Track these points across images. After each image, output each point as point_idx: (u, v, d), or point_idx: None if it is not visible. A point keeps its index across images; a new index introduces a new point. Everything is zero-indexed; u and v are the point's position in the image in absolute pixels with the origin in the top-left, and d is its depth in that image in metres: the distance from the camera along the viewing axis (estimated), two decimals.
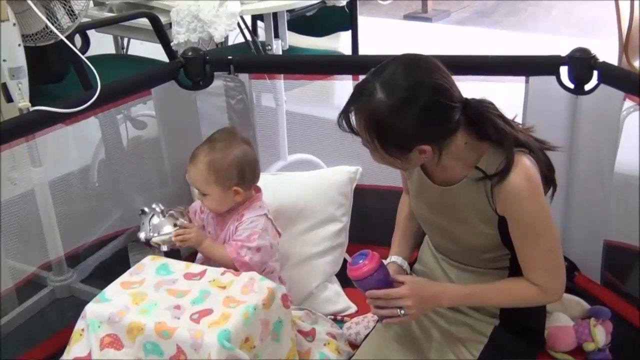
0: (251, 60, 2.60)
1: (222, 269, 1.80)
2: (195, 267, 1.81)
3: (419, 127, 1.41)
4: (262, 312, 1.66)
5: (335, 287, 2.21)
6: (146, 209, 1.95)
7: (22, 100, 1.97)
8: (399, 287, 1.55)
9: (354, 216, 2.29)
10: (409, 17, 6.02)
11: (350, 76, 2.20)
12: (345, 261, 2.23)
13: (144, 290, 1.72)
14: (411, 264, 1.87)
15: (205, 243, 1.92)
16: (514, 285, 1.57)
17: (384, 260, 2.26)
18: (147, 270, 1.81)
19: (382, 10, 6.04)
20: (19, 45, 1.94)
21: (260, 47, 2.92)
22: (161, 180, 2.43)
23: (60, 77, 2.52)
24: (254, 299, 1.66)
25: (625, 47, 2.90)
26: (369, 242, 2.15)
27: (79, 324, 1.70)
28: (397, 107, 1.39)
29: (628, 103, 1.93)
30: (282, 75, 2.52)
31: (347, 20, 3.24)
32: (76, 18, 2.12)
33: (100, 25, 2.90)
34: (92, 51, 2.90)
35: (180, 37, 2.71)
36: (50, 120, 1.95)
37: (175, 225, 1.93)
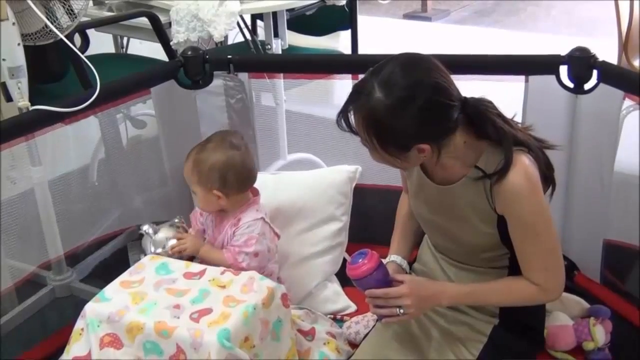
0: (251, 59, 2.60)
1: (221, 268, 1.80)
2: (195, 267, 1.81)
3: (418, 126, 1.41)
4: (261, 311, 1.66)
5: (335, 286, 2.22)
6: (144, 228, 1.97)
7: (21, 100, 1.96)
8: (398, 286, 1.55)
9: (353, 215, 2.29)
10: (408, 16, 6.02)
11: (349, 75, 2.20)
12: (344, 260, 2.24)
13: (144, 289, 1.72)
14: (411, 263, 1.87)
15: (202, 250, 1.93)
16: (513, 284, 1.57)
17: (383, 260, 2.28)
18: (146, 269, 1.81)
19: (382, 10, 6.05)
20: (19, 44, 1.94)
21: (260, 47, 2.92)
22: (161, 180, 2.43)
23: (59, 77, 2.51)
24: (254, 298, 1.66)
25: (625, 46, 2.90)
26: (368, 242, 2.15)
27: (79, 323, 1.70)
28: (395, 107, 1.39)
29: (628, 102, 1.93)
30: (281, 75, 2.52)
31: (346, 19, 3.24)
32: (75, 17, 2.11)
33: (99, 24, 2.90)
34: (92, 50, 2.90)
35: (179, 36, 2.71)
36: (49, 120, 1.95)
37: (172, 237, 1.96)
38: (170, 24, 2.74)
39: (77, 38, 2.70)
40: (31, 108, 1.96)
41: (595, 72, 1.95)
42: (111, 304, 1.68)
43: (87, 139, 2.47)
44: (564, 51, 2.00)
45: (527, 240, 1.51)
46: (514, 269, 1.57)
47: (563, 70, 2.00)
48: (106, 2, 2.97)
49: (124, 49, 3.42)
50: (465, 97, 1.47)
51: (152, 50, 2.96)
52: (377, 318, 1.70)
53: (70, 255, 2.32)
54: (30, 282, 2.25)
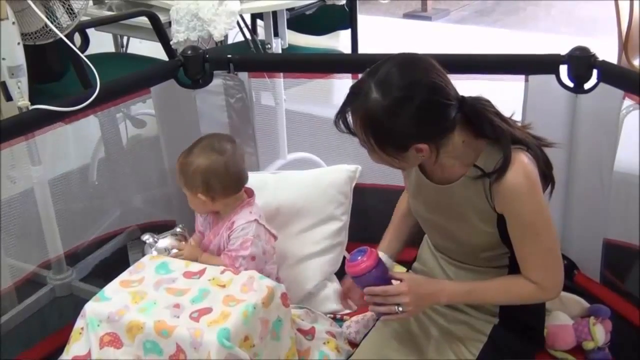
0: (251, 59, 2.60)
1: (221, 268, 1.80)
2: (195, 266, 1.81)
3: (415, 126, 1.41)
4: (261, 310, 1.66)
5: (335, 285, 2.21)
6: (144, 238, 1.97)
7: (21, 99, 1.96)
8: (397, 284, 1.55)
9: (353, 215, 2.29)
10: (408, 15, 6.02)
11: (349, 75, 2.20)
12: (344, 260, 2.23)
13: (144, 289, 1.72)
14: (410, 263, 1.88)
15: (200, 260, 1.91)
16: (512, 283, 1.57)
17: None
18: (146, 269, 1.81)
19: (382, 9, 6.04)
20: (18, 43, 1.94)
21: (260, 46, 2.92)
22: (160, 179, 2.43)
23: (59, 76, 2.52)
24: (254, 297, 1.66)
25: (625, 45, 2.90)
26: (368, 241, 2.15)
27: (79, 323, 1.70)
28: (392, 107, 1.39)
29: (627, 102, 1.92)
30: (281, 74, 2.52)
31: (346, 19, 3.24)
32: (75, 17, 2.11)
33: (99, 23, 2.90)
34: (92, 50, 2.90)
35: (179, 35, 2.71)
36: (49, 119, 1.95)
37: (172, 247, 1.96)
38: (170, 23, 2.73)
39: (77, 37, 2.70)
40: (31, 107, 1.96)
41: (595, 72, 1.95)
42: (111, 303, 1.68)
43: (87, 138, 2.47)
44: (563, 51, 2.00)
45: (526, 239, 1.51)
46: (514, 269, 1.57)
47: (563, 69, 2.00)
48: (106, 1, 2.97)
49: (124, 49, 3.42)
50: (462, 96, 1.47)
51: (152, 49, 2.96)
52: (376, 317, 1.70)
53: (70, 254, 2.32)
54: (30, 282, 2.25)
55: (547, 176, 1.54)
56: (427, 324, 1.70)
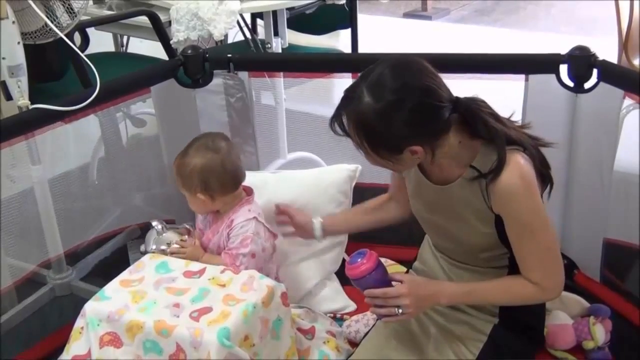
0: (251, 58, 2.60)
1: (221, 267, 1.80)
2: (195, 265, 1.81)
3: (408, 129, 1.41)
4: (261, 310, 1.66)
5: (335, 285, 2.22)
6: (153, 223, 1.96)
7: (21, 98, 1.96)
8: (397, 286, 1.55)
9: None
10: (408, 15, 6.02)
11: (349, 74, 2.19)
12: (344, 260, 2.23)
13: (144, 288, 1.72)
14: (411, 262, 1.88)
15: (201, 260, 1.90)
16: (511, 284, 1.57)
17: (381, 259, 2.28)
18: (146, 268, 1.81)
19: (382, 9, 6.05)
20: (18, 43, 1.94)
21: (260, 45, 2.92)
22: (160, 178, 2.43)
23: (59, 75, 2.51)
24: (254, 297, 1.66)
25: (625, 45, 2.90)
26: (368, 241, 2.16)
27: (79, 322, 1.70)
28: (384, 110, 1.40)
29: (628, 101, 1.92)
30: (281, 74, 2.52)
31: (346, 18, 3.24)
32: (75, 16, 2.11)
33: (99, 23, 2.90)
34: (92, 49, 2.90)
35: (179, 35, 2.71)
36: (49, 118, 1.95)
37: (174, 241, 1.95)
38: (170, 22, 2.73)
39: (77, 37, 2.70)
40: (31, 107, 1.96)
41: (595, 71, 1.95)
42: (111, 302, 1.68)
43: (87, 137, 2.47)
44: (563, 50, 2.00)
45: (523, 240, 1.51)
46: (514, 269, 1.57)
47: (563, 69, 2.00)
48: (106, 0, 2.97)
49: (124, 48, 3.42)
50: (457, 97, 1.47)
51: (152, 49, 2.96)
52: (377, 317, 1.70)
53: (70, 254, 2.32)
54: (30, 281, 2.25)
55: (544, 176, 1.54)
56: (427, 324, 1.70)
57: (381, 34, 5.07)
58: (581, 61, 1.96)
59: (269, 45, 2.85)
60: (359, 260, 1.55)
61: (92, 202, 2.39)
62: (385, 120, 1.40)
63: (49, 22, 1.99)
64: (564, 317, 1.96)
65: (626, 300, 2.05)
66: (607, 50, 2.18)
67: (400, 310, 1.53)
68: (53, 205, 2.19)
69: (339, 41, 3.58)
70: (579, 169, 2.08)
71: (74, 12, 2.10)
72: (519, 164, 1.46)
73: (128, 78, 2.23)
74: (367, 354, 1.71)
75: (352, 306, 2.15)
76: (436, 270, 1.74)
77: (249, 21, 3.23)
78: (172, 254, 1.91)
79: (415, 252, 1.87)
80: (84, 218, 2.34)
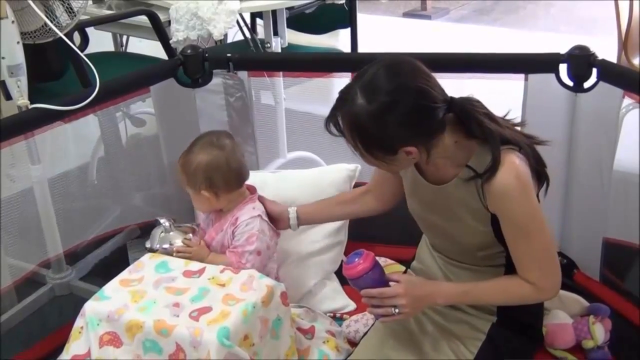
0: (250, 57, 2.60)
1: (221, 267, 1.79)
2: (195, 265, 1.81)
3: (402, 130, 1.42)
4: (261, 309, 1.66)
5: (334, 284, 2.22)
6: (160, 220, 1.96)
7: (20, 98, 1.96)
8: (394, 286, 1.55)
9: None
10: (408, 14, 6.02)
11: (349, 74, 2.19)
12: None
13: (143, 288, 1.72)
14: (409, 262, 1.88)
15: (207, 260, 1.90)
16: (508, 283, 1.57)
17: (380, 259, 2.29)
18: (146, 268, 1.81)
19: (382, 8, 6.05)
20: (18, 42, 1.94)
21: (260, 45, 2.92)
22: (160, 178, 2.43)
23: (59, 75, 2.51)
24: (253, 296, 1.66)
25: (624, 44, 2.90)
26: (368, 240, 2.17)
27: (78, 322, 1.70)
28: (377, 112, 1.40)
29: (627, 100, 1.92)
30: (281, 73, 2.51)
31: (346, 17, 3.24)
32: (75, 15, 2.11)
33: (99, 22, 2.90)
34: (91, 49, 2.90)
35: (179, 34, 2.71)
36: (49, 118, 1.94)
37: (180, 239, 1.94)
38: (169, 22, 2.73)
39: (77, 36, 2.70)
40: (30, 106, 1.95)
41: (594, 71, 1.95)
42: (110, 302, 1.68)
43: (87, 137, 2.47)
44: (563, 49, 2.00)
45: (519, 239, 1.51)
46: (510, 267, 1.57)
47: (563, 68, 2.00)
48: (105, 0, 2.96)
49: (124, 48, 3.42)
50: (451, 97, 1.47)
51: (152, 48, 2.96)
52: (375, 318, 1.70)
53: (69, 253, 2.32)
54: (30, 281, 2.25)
55: (540, 174, 1.54)
56: (426, 323, 1.70)
57: (381, 33, 5.07)
58: (581, 60, 1.96)
59: (269, 45, 2.85)
60: (356, 260, 1.55)
61: (91, 202, 2.39)
62: (379, 121, 1.40)
63: (48, 22, 1.99)
64: (563, 317, 1.96)
65: (626, 300, 2.05)
66: (607, 50, 2.18)
67: (397, 310, 1.54)
68: (53, 205, 2.19)
69: (339, 41, 3.58)
70: (579, 168, 2.08)
71: (73, 12, 2.10)
72: (514, 163, 1.46)
73: (127, 78, 2.23)
74: (366, 354, 1.71)
75: (352, 306, 2.15)
76: (434, 269, 1.74)
77: (248, 21, 3.23)
78: (177, 252, 1.91)
79: (414, 251, 1.87)
80: (83, 218, 2.34)
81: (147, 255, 1.86)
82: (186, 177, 1.90)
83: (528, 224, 1.48)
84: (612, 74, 1.94)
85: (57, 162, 2.27)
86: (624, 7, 2.89)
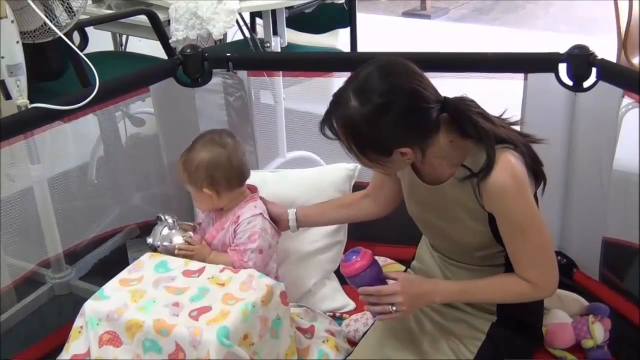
0: (250, 57, 2.60)
1: (221, 267, 1.80)
2: (194, 265, 1.81)
3: (396, 132, 1.42)
4: (261, 309, 1.66)
5: (334, 284, 2.22)
6: (162, 217, 1.96)
7: (20, 98, 1.96)
8: (391, 284, 1.55)
9: None
10: (408, 14, 6.03)
11: (349, 74, 2.19)
12: None
13: (143, 287, 1.72)
14: (409, 262, 1.88)
15: (208, 259, 1.91)
16: (505, 282, 1.57)
17: (381, 258, 2.29)
18: (146, 267, 1.81)
19: (381, 8, 6.05)
20: (18, 42, 1.94)
21: (259, 45, 2.92)
22: (160, 178, 2.43)
23: (59, 75, 2.51)
24: (253, 296, 1.66)
25: (624, 44, 2.90)
26: (368, 240, 2.17)
27: (78, 322, 1.70)
28: (371, 115, 1.40)
29: (627, 100, 1.92)
30: (281, 73, 2.52)
31: (346, 17, 3.24)
32: (75, 15, 2.11)
33: (98, 22, 2.90)
34: (91, 48, 2.90)
35: (179, 34, 2.71)
36: (48, 118, 1.94)
37: (183, 237, 1.94)
38: (169, 22, 2.73)
39: (77, 36, 2.70)
40: (30, 106, 1.95)
41: (594, 70, 1.95)
42: (110, 302, 1.68)
43: (87, 137, 2.47)
44: (563, 49, 2.00)
45: (516, 238, 1.51)
46: (510, 267, 1.57)
47: (562, 68, 2.00)
48: (105, 0, 2.96)
49: (123, 47, 3.42)
50: (445, 98, 1.47)
51: (151, 48, 2.96)
52: (373, 317, 1.70)
53: (69, 253, 2.32)
54: (30, 280, 2.25)
55: (537, 173, 1.54)
56: (426, 323, 1.70)
57: (380, 33, 5.07)
58: (580, 60, 1.96)
59: (269, 45, 2.85)
60: (354, 258, 1.56)
61: (91, 202, 2.39)
62: (373, 124, 1.41)
63: (48, 22, 1.99)
64: (563, 316, 1.96)
65: (625, 300, 2.05)
66: (607, 50, 2.18)
67: (394, 308, 1.54)
68: (52, 205, 2.19)
69: (339, 40, 3.58)
70: (579, 168, 2.08)
71: (73, 12, 2.10)
72: (509, 162, 1.46)
73: (127, 77, 2.23)
74: (366, 353, 1.71)
75: (352, 305, 2.15)
76: (434, 269, 1.74)
77: (248, 20, 3.23)
78: (179, 251, 1.91)
79: (414, 251, 1.87)
80: (83, 217, 2.34)
81: (147, 255, 1.87)
82: (188, 175, 1.90)
83: (524, 222, 1.48)
84: (612, 73, 1.94)
85: (57, 162, 2.27)
86: (623, 6, 2.89)
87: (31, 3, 1.94)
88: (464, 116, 1.47)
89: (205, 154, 1.88)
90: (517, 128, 1.58)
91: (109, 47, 3.39)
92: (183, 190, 1.99)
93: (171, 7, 2.72)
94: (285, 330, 1.74)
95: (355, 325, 2.01)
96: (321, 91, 2.43)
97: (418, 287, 1.59)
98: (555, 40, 2.63)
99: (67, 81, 2.49)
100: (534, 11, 5.98)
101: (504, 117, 1.57)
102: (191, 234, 1.95)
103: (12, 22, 1.90)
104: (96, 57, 2.59)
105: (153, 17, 2.62)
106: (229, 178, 1.90)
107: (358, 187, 2.30)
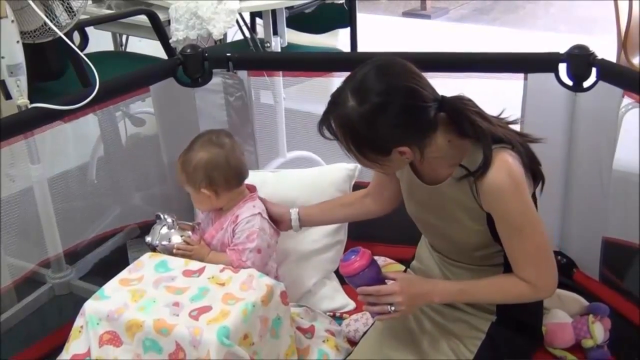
0: (250, 57, 2.60)
1: (220, 266, 1.80)
2: (194, 264, 1.81)
3: (394, 131, 1.42)
4: (260, 309, 1.66)
5: (334, 284, 2.22)
6: (161, 216, 1.96)
7: (20, 98, 1.96)
8: (390, 283, 1.55)
9: None
10: (407, 14, 6.03)
11: (349, 73, 2.19)
12: None
13: (143, 287, 1.72)
14: (409, 261, 1.88)
15: (207, 258, 1.91)
16: (504, 282, 1.57)
17: (381, 258, 2.29)
18: (146, 267, 1.81)
19: (381, 8, 6.05)
20: (18, 42, 1.94)
21: (259, 44, 2.92)
22: (160, 177, 2.43)
23: (59, 75, 2.51)
24: (253, 296, 1.67)
25: (624, 44, 2.90)
26: (367, 240, 2.17)
27: (78, 321, 1.70)
28: (369, 113, 1.41)
29: (627, 100, 1.93)
30: (280, 73, 2.51)
31: (346, 17, 3.24)
32: (75, 15, 2.11)
33: (98, 22, 2.90)
34: (91, 48, 2.90)
35: (178, 34, 2.71)
36: (48, 118, 1.94)
37: (181, 236, 1.94)
38: (169, 21, 2.73)
39: (76, 36, 2.70)
40: (30, 106, 1.95)
41: (594, 70, 1.95)
42: (110, 301, 1.68)
43: (86, 137, 2.47)
44: (563, 49, 2.00)
45: (513, 238, 1.51)
46: (509, 267, 1.57)
47: (562, 68, 2.00)
48: (105, 0, 2.96)
49: (123, 47, 3.42)
50: (442, 97, 1.47)
51: (151, 48, 2.96)
52: (372, 316, 1.71)
53: (69, 253, 2.32)
54: (30, 280, 2.25)
55: (535, 172, 1.54)
56: (426, 323, 1.70)
57: (380, 33, 5.07)
58: (580, 60, 1.96)
59: (268, 45, 2.85)
60: (353, 257, 1.56)
61: (91, 201, 2.39)
62: (371, 123, 1.41)
63: (48, 22, 1.99)
64: (563, 316, 1.96)
65: (625, 299, 2.05)
66: (606, 49, 2.18)
67: (392, 308, 1.54)
68: (52, 205, 2.19)
69: (338, 40, 3.58)
70: (578, 167, 2.08)
71: (73, 11, 2.10)
72: (506, 162, 1.46)
73: (127, 77, 2.23)
74: (365, 353, 1.71)
75: (352, 305, 2.15)
76: (433, 268, 1.74)
77: (248, 20, 3.23)
78: (178, 250, 1.91)
79: (414, 251, 1.87)
80: (83, 217, 2.34)
81: (147, 255, 1.87)
82: (186, 175, 1.90)
83: (521, 222, 1.48)
84: (612, 73, 1.94)
85: (57, 162, 2.27)
86: (623, 6, 2.89)
87: (31, 3, 1.94)
88: (461, 115, 1.47)
89: (203, 154, 1.88)
90: (516, 127, 1.58)
91: (109, 47, 3.39)
92: (183, 190, 1.99)
93: (171, 6, 2.72)
94: (285, 329, 1.74)
95: (355, 324, 2.01)
96: (321, 91, 2.43)
97: (417, 287, 1.59)
98: (555, 40, 2.63)
99: (67, 81, 2.49)
100: (534, 11, 5.98)
101: (502, 116, 1.57)
102: (190, 233, 1.95)
103: (12, 21, 1.90)
104: (96, 57, 2.60)
105: (153, 17, 2.62)
106: (227, 178, 1.90)
107: (358, 186, 2.30)
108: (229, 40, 3.38)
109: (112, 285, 1.75)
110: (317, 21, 3.25)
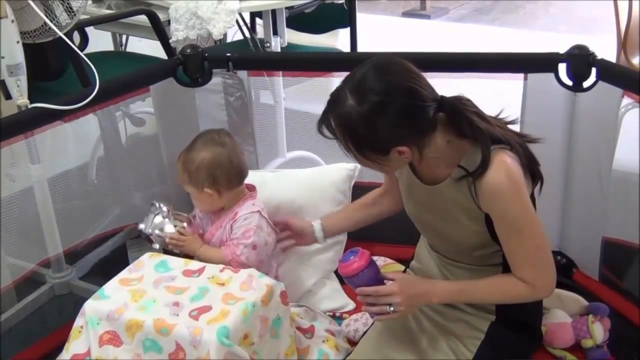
0: (250, 57, 2.61)
1: (220, 266, 1.80)
2: (194, 264, 1.82)
3: (393, 130, 1.42)
4: (260, 308, 1.66)
5: (334, 284, 2.22)
6: (157, 204, 1.96)
7: (20, 98, 1.96)
8: (389, 284, 1.55)
9: None
10: (407, 14, 6.03)
11: (348, 73, 2.19)
12: None
13: (143, 287, 1.73)
14: (408, 261, 1.88)
15: (199, 251, 1.92)
16: (503, 282, 1.57)
17: (381, 258, 2.29)
18: (146, 267, 1.81)
19: (381, 8, 6.05)
20: (18, 42, 1.94)
21: (259, 44, 2.92)
22: (160, 177, 2.43)
23: (58, 74, 2.51)
24: (253, 295, 1.67)
25: (623, 44, 2.90)
26: (367, 240, 2.16)
27: (78, 321, 1.70)
28: (368, 113, 1.41)
29: (626, 100, 1.93)
30: (280, 73, 2.52)
31: (345, 17, 3.24)
32: (74, 15, 2.11)
33: (98, 22, 2.90)
34: (91, 48, 2.90)
35: (178, 34, 2.71)
36: (48, 118, 1.95)
37: (175, 227, 1.94)
38: (169, 21, 2.74)
39: (76, 36, 2.70)
40: (30, 106, 1.95)
41: (594, 70, 1.95)
42: (110, 301, 1.68)
43: (86, 136, 2.47)
44: (562, 49, 2.01)
45: (511, 238, 1.51)
46: (507, 266, 1.57)
47: (562, 68, 2.01)
48: (105, 0, 2.96)
49: (123, 47, 3.42)
50: (441, 96, 1.47)
51: (151, 48, 2.96)
52: (370, 315, 1.71)
53: (69, 252, 2.32)
54: (30, 280, 2.25)
55: (534, 172, 1.54)
56: (425, 322, 1.71)
57: (380, 33, 5.07)
58: (580, 60, 1.97)
59: (268, 45, 2.85)
60: (351, 258, 1.56)
61: (91, 201, 2.39)
62: (370, 122, 1.41)
63: (48, 22, 1.99)
64: (562, 316, 1.96)
65: (625, 299, 2.05)
66: (606, 49, 2.18)
67: (391, 308, 1.54)
68: (52, 204, 2.19)
69: (338, 40, 3.58)
70: (578, 168, 2.08)
71: (73, 11, 2.10)
72: (504, 162, 1.46)
73: (127, 77, 2.23)
74: (365, 353, 1.71)
75: (351, 305, 2.15)
76: (432, 268, 1.74)
77: (248, 20, 3.23)
78: (170, 240, 1.91)
79: (413, 251, 1.87)
80: (83, 217, 2.34)
81: (147, 255, 1.87)
82: (188, 175, 1.90)
83: (520, 222, 1.48)
84: (612, 73, 1.94)
85: (57, 162, 2.27)
86: (623, 6, 2.90)
87: (31, 3, 1.94)
88: (460, 115, 1.47)
89: (205, 153, 1.88)
90: (515, 127, 1.58)
91: (109, 46, 3.39)
92: (183, 190, 1.99)
93: (171, 6, 2.72)
94: (285, 329, 1.74)
95: (355, 324, 2.01)
96: (321, 91, 2.43)
97: (415, 287, 1.59)
98: (554, 40, 2.63)
99: (67, 81, 2.49)
100: (534, 11, 5.98)
101: (501, 116, 1.57)
102: (184, 224, 1.95)
103: (12, 21, 1.90)
104: (96, 56, 2.60)
105: (153, 17, 2.62)
106: (230, 177, 1.90)
107: (358, 186, 2.31)
108: (229, 40, 3.38)
109: (112, 285, 1.75)
110: (316, 21, 3.26)
